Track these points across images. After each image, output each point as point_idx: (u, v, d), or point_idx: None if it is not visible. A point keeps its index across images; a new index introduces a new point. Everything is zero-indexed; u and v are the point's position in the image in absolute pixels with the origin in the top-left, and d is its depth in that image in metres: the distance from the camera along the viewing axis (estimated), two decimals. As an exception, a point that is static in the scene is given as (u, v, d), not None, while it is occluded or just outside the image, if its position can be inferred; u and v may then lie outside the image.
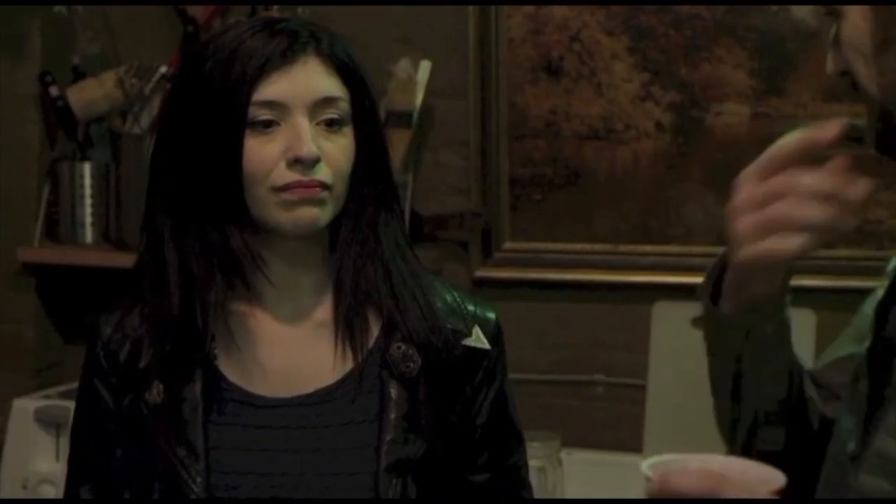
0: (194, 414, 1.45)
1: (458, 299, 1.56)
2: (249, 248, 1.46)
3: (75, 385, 2.91)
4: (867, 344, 1.30)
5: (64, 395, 2.94)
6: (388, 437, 1.45)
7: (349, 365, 1.49)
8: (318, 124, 1.44)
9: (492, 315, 1.58)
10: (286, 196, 1.42)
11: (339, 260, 1.50)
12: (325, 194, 1.43)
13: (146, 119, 2.94)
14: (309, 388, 1.48)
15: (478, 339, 1.54)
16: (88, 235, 3.03)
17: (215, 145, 1.43)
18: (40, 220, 3.08)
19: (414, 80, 2.79)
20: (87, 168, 3.02)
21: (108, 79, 2.98)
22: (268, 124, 1.42)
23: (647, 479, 1.08)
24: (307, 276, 1.51)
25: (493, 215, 2.88)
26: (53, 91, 3.01)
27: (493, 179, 2.86)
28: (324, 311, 1.51)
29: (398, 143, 2.75)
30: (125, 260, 2.74)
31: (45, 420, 2.87)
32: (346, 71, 1.47)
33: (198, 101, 1.45)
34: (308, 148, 1.41)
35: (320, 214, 1.44)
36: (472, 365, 1.53)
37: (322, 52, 1.46)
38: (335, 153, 1.44)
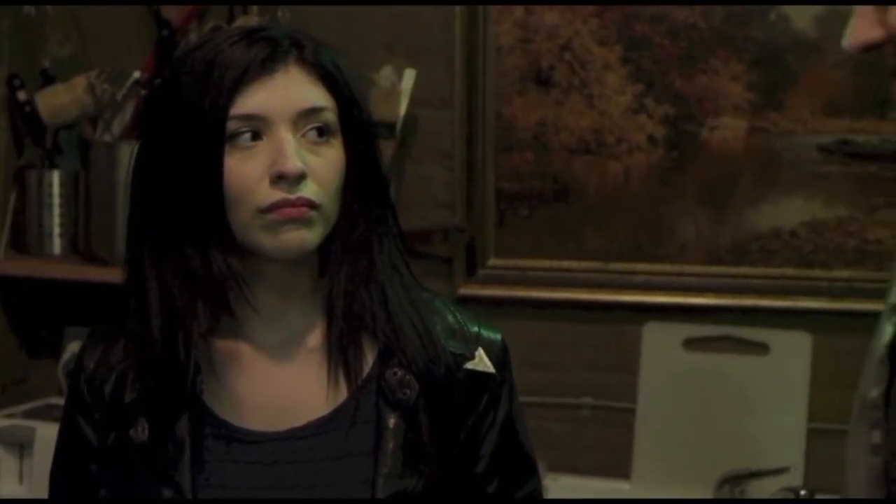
0: (181, 453, 1.39)
1: (461, 320, 1.49)
2: (233, 273, 1.39)
3: (40, 403, 2.91)
4: (880, 389, 1.23)
5: (28, 415, 2.90)
6: (384, 470, 1.39)
7: (343, 395, 1.42)
8: (303, 137, 1.37)
9: (497, 336, 1.51)
10: (272, 217, 1.34)
11: (330, 284, 1.42)
12: (312, 214, 1.36)
13: (118, 126, 2.90)
14: (301, 421, 1.41)
15: (481, 363, 1.47)
16: (56, 246, 2.98)
17: (194, 164, 1.36)
18: (6, 230, 3.02)
19: (398, 88, 2.74)
20: (55, 176, 2.97)
21: (79, 84, 2.92)
22: (249, 139, 1.35)
23: None
24: (296, 303, 1.44)
25: (478, 231, 2.82)
26: (21, 96, 2.97)
27: (479, 193, 2.81)
28: (315, 338, 1.44)
29: (380, 155, 2.69)
30: (94, 273, 2.77)
31: (9, 440, 2.83)
32: (331, 80, 1.40)
33: (174, 117, 1.38)
34: (292, 163, 1.34)
35: (308, 236, 1.36)
36: (475, 390, 1.47)
37: (305, 60, 1.39)
38: (322, 168, 1.37)
